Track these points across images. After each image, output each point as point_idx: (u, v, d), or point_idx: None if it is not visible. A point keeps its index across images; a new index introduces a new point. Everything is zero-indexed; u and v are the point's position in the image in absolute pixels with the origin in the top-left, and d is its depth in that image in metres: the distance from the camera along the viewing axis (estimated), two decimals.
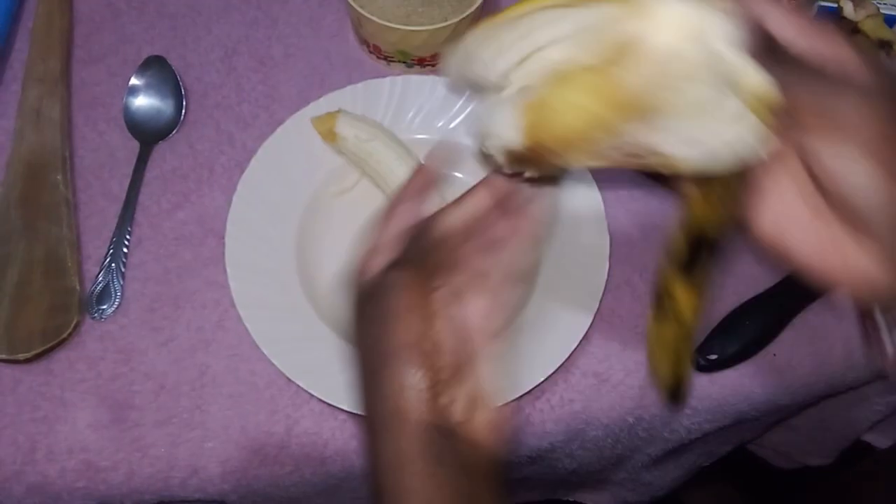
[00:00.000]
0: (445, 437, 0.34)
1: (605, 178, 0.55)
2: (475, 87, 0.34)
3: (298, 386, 0.48)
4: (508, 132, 0.30)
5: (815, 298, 0.54)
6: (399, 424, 0.33)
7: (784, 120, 0.26)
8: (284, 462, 0.48)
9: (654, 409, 0.52)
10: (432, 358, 0.34)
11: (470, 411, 0.35)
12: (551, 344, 0.50)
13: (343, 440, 0.49)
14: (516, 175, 0.36)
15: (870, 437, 0.75)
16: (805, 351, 0.53)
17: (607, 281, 0.52)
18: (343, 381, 0.48)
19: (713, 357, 0.51)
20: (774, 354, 0.53)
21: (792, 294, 0.53)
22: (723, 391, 0.52)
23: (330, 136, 0.54)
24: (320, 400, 0.48)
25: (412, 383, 0.33)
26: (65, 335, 0.49)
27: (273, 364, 0.48)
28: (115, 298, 0.51)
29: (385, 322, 0.35)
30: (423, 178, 0.41)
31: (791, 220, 0.30)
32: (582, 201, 0.54)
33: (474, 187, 0.39)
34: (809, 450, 0.76)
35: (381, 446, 0.34)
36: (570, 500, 0.73)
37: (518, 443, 0.50)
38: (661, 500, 0.74)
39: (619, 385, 0.51)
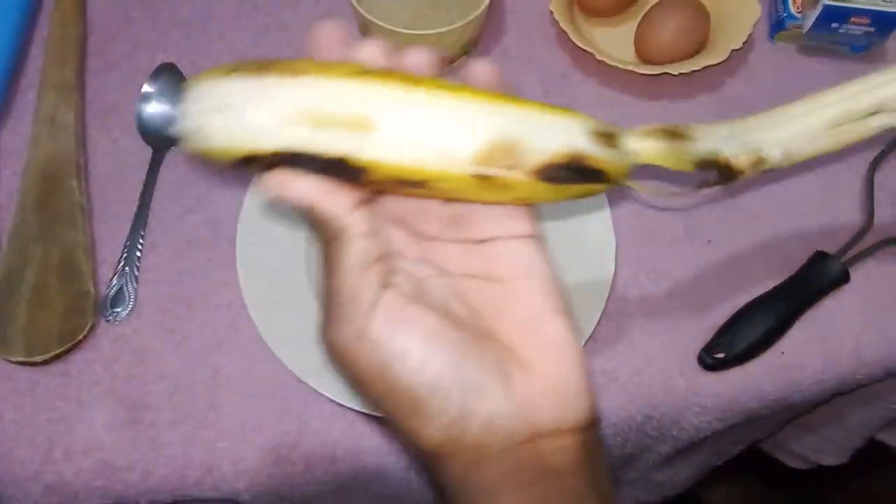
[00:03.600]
0: None
1: None
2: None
3: (309, 386, 0.48)
4: None
5: (823, 295, 0.54)
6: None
7: None
8: (296, 461, 0.49)
9: (663, 408, 0.52)
10: None
11: None
12: None
13: (353, 440, 0.49)
14: None
15: (884, 436, 0.75)
16: (814, 348, 0.53)
17: (614, 280, 0.52)
18: None
19: (720, 356, 0.51)
20: (783, 352, 0.53)
21: (800, 291, 0.53)
22: (731, 389, 0.52)
23: None
24: (330, 400, 0.48)
25: None
26: (80, 337, 0.50)
27: (284, 364, 0.49)
28: (130, 301, 0.52)
29: None
30: None
31: None
32: (587, 200, 0.54)
33: None
34: (824, 449, 0.76)
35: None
36: None
37: None
38: (677, 499, 0.73)
39: (628, 384, 0.52)
